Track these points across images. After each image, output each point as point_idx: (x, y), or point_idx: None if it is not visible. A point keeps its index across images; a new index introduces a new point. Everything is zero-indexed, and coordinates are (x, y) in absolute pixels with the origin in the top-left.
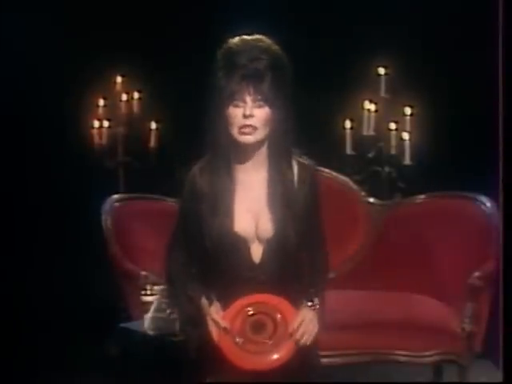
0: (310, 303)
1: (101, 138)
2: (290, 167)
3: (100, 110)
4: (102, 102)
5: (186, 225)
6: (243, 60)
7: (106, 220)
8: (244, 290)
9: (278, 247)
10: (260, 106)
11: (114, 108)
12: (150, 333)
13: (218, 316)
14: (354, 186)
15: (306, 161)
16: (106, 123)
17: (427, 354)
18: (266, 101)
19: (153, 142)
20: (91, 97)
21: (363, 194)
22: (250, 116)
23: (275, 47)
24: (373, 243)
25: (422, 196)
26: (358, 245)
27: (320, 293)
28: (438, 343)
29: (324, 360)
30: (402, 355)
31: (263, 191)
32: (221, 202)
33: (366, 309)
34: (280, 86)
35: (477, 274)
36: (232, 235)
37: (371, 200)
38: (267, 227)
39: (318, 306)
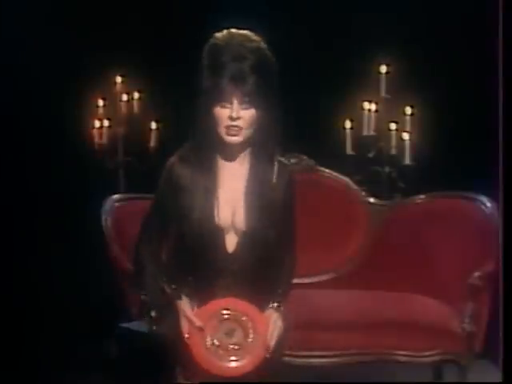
0: (276, 304)
1: (101, 138)
2: (271, 165)
3: (100, 110)
4: (101, 102)
5: (162, 213)
6: (229, 59)
7: (106, 220)
8: (216, 279)
9: (251, 239)
10: (246, 108)
11: (113, 108)
12: (150, 333)
13: (191, 314)
14: (354, 186)
15: (285, 161)
16: (106, 123)
17: (427, 354)
18: (253, 102)
19: (153, 142)
20: (91, 97)
21: (363, 193)
22: (237, 118)
23: (262, 45)
24: (373, 243)
25: (422, 196)
26: (358, 245)
27: (286, 294)
28: (438, 343)
29: (324, 360)
30: (402, 355)
31: (243, 184)
32: (200, 191)
33: (366, 309)
34: (266, 87)
35: (477, 273)
36: (209, 224)
37: (371, 200)
38: (243, 219)
39: (282, 308)
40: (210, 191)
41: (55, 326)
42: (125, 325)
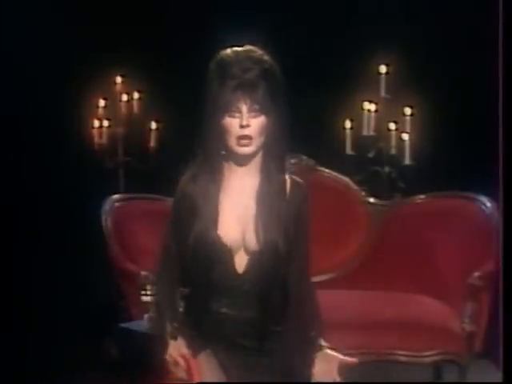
0: None
1: (101, 137)
2: (283, 176)
3: (100, 110)
4: (102, 102)
5: (175, 235)
6: (237, 70)
7: (106, 220)
8: (224, 298)
9: (263, 258)
10: (256, 116)
11: (114, 108)
12: (150, 333)
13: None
14: (354, 186)
15: (298, 178)
16: (106, 123)
17: (427, 354)
18: (262, 110)
19: (153, 142)
20: (91, 97)
21: (363, 193)
22: (247, 126)
23: (266, 57)
24: (373, 243)
25: (422, 196)
26: (358, 245)
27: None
28: (437, 343)
29: None
30: (402, 355)
31: (254, 200)
32: (209, 209)
33: (366, 309)
34: (274, 95)
35: (477, 273)
36: (216, 243)
37: (371, 200)
38: (254, 237)
39: None
40: (218, 209)
41: (55, 326)
42: (125, 325)
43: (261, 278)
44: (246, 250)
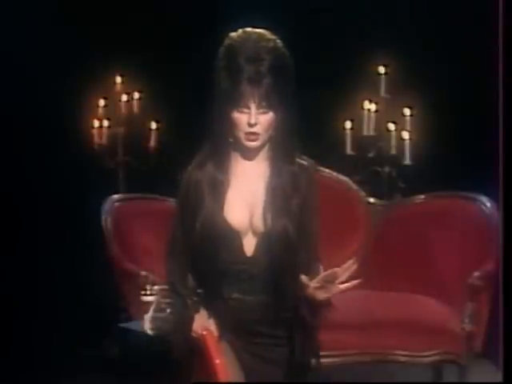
0: None
1: (101, 138)
2: (291, 165)
3: (100, 110)
4: (102, 102)
5: (183, 221)
6: (245, 61)
7: (106, 220)
8: (234, 283)
9: (271, 240)
10: (264, 112)
11: (113, 108)
12: (150, 333)
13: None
14: (354, 186)
15: (306, 161)
16: (105, 123)
17: (427, 354)
18: (271, 105)
19: (153, 142)
20: (91, 97)
21: (363, 193)
22: (255, 124)
23: (279, 44)
24: (373, 243)
25: (422, 196)
26: (358, 245)
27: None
28: (437, 343)
29: (324, 360)
30: (402, 355)
31: (262, 185)
32: (217, 195)
33: (366, 309)
34: (284, 88)
35: (477, 273)
36: (224, 226)
37: (371, 200)
38: (262, 220)
39: None
40: (227, 194)
41: (55, 326)
42: (125, 325)
43: (270, 261)
44: (254, 233)
